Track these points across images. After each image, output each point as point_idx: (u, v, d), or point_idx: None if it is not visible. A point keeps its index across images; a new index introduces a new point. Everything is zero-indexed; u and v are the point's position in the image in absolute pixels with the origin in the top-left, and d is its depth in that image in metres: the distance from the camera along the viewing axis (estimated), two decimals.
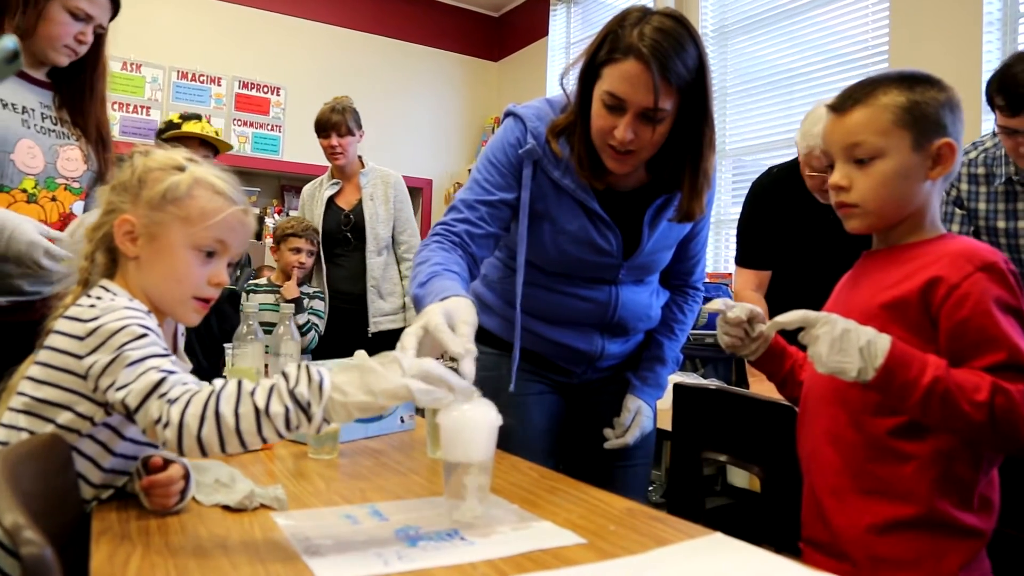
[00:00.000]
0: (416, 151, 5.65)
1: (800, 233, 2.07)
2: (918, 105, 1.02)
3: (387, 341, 2.87)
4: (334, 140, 2.95)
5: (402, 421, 1.50)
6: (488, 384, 1.48)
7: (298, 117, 5.10)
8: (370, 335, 3.00)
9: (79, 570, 0.75)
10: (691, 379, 2.52)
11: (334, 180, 3.07)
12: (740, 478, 2.85)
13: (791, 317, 1.00)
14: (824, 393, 1.10)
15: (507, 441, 1.09)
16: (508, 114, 1.38)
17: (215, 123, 4.97)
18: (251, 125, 5.03)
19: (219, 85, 4.96)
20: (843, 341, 0.93)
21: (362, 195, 3.02)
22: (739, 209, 2.25)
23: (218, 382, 0.84)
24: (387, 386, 0.80)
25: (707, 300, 1.44)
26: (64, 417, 0.90)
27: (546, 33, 5.53)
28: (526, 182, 1.32)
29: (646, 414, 1.47)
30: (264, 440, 0.81)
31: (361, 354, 0.83)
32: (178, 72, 4.83)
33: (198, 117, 2.77)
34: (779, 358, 1.24)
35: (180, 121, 2.71)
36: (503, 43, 6.08)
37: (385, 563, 0.75)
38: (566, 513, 0.94)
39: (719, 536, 0.86)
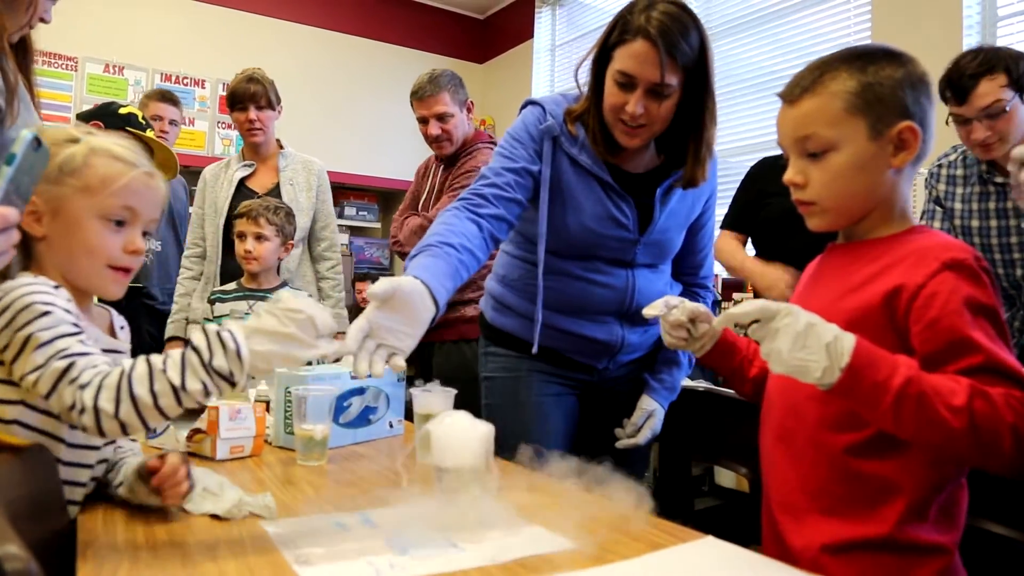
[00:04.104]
0: (401, 153, 5.63)
1: (776, 210, 2.24)
2: (871, 88, 0.93)
3: None
4: (252, 113, 2.61)
5: (391, 426, 1.49)
6: (507, 386, 1.50)
7: (283, 120, 5.07)
8: None
9: None
10: None
11: (246, 161, 2.69)
12: (727, 479, 2.86)
13: (747, 308, 0.88)
14: (781, 406, 1.04)
15: (524, 443, 1.12)
16: (527, 103, 1.48)
17: (199, 126, 4.94)
18: (236, 128, 4.99)
19: (203, 88, 4.92)
20: (807, 336, 0.83)
21: (280, 179, 2.65)
22: (723, 210, 2.41)
23: (127, 361, 0.82)
24: (287, 305, 0.83)
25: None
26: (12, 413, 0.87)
27: (531, 35, 5.54)
28: (547, 158, 1.40)
29: (659, 416, 1.51)
30: (182, 408, 0.81)
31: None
32: (161, 75, 4.78)
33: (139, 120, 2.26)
34: (728, 354, 1.18)
35: (143, 124, 2.25)
36: (488, 45, 6.08)
37: (377, 572, 0.75)
38: (557, 518, 0.93)
39: (711, 540, 0.86)
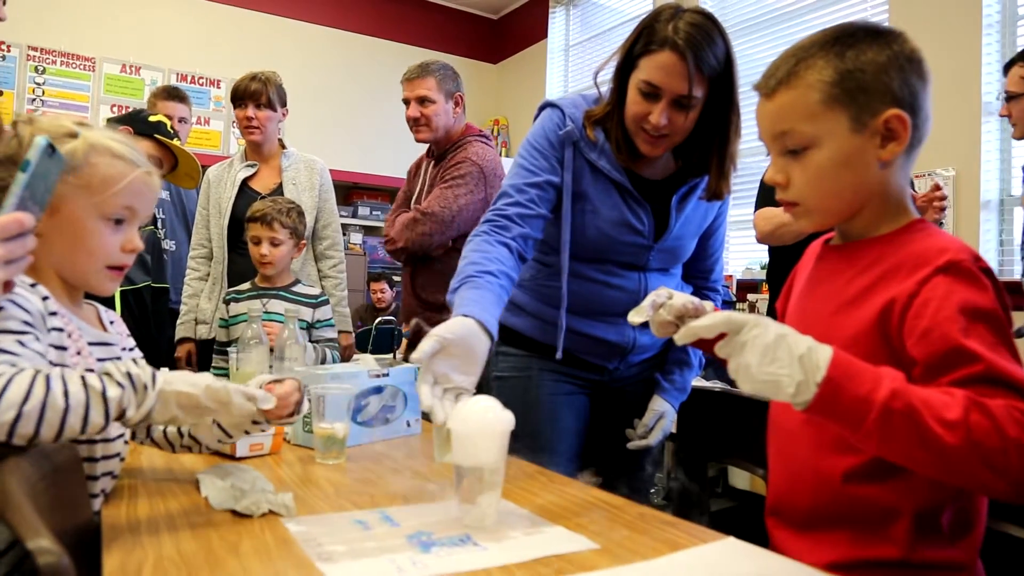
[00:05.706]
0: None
1: None
2: (850, 75, 0.84)
3: None
4: (250, 111, 2.59)
5: (408, 425, 1.50)
6: (518, 385, 1.52)
7: (298, 120, 5.10)
8: None
9: None
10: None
11: (249, 162, 2.67)
12: (742, 480, 2.85)
13: (711, 321, 0.80)
14: (780, 427, 0.99)
15: (536, 442, 1.13)
16: (545, 105, 1.46)
17: (214, 126, 4.98)
18: (237, 125, 5.02)
19: (218, 88, 4.96)
20: (777, 348, 0.74)
21: (283, 179, 2.63)
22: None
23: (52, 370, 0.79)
24: (211, 382, 0.86)
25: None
26: None
27: (545, 35, 5.55)
28: (568, 163, 1.40)
29: (670, 417, 1.51)
30: (84, 429, 0.77)
31: None
32: (177, 75, 4.83)
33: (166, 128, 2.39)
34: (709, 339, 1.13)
35: (172, 132, 2.37)
36: (502, 45, 6.09)
37: (399, 569, 0.75)
38: (577, 518, 0.94)
39: (731, 540, 0.86)
